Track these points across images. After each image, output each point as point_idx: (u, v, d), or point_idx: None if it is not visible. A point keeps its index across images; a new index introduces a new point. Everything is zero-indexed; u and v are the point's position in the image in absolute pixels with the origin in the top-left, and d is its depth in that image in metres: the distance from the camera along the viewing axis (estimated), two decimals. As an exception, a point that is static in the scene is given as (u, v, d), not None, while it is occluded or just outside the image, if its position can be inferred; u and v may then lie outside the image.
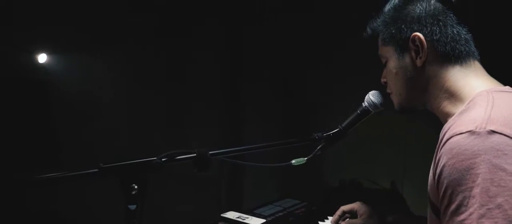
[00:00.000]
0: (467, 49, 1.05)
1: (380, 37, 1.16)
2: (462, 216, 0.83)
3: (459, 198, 0.84)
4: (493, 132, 0.84)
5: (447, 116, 1.05)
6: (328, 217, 1.59)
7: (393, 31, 1.10)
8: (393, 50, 1.11)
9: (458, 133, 0.88)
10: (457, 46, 1.04)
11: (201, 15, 2.75)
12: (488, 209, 0.80)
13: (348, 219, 1.51)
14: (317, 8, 3.04)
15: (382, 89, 1.28)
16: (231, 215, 1.50)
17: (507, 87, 1.02)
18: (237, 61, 3.09)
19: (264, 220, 1.45)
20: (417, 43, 1.06)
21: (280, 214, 1.57)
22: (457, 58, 1.05)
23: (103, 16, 2.38)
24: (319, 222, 1.55)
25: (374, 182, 3.07)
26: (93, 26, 2.33)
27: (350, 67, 3.10)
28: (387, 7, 1.16)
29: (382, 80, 1.22)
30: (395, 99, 1.17)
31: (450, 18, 1.06)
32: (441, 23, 1.05)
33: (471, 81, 1.03)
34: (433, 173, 0.96)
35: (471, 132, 0.86)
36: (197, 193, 2.86)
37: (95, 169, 0.92)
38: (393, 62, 1.12)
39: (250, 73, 3.14)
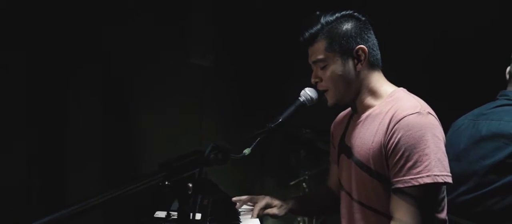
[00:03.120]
0: (380, 59, 1.44)
1: (323, 44, 1.38)
2: (418, 168, 1.22)
3: (415, 157, 1.22)
4: (429, 113, 1.28)
5: (367, 107, 1.41)
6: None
7: (342, 42, 1.36)
8: (338, 56, 1.37)
9: (409, 114, 1.26)
10: (378, 57, 1.42)
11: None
12: (435, 162, 1.22)
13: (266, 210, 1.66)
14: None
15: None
16: (163, 214, 1.42)
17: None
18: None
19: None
20: (361, 53, 1.37)
21: (197, 207, 1.58)
22: (377, 65, 1.42)
23: None
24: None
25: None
26: None
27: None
28: (326, 20, 1.40)
29: (314, 80, 1.45)
30: (333, 96, 1.42)
31: (373, 34, 1.43)
32: (371, 38, 1.40)
33: (384, 83, 1.43)
34: (382, 144, 1.29)
35: (418, 113, 1.26)
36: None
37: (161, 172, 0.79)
38: (338, 66, 1.37)
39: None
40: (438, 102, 1.40)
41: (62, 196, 2.61)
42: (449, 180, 1.23)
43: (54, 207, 0.68)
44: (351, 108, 1.51)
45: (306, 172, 3.30)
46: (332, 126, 1.69)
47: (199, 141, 3.75)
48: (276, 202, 1.66)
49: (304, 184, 3.34)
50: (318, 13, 1.44)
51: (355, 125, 1.45)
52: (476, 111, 1.58)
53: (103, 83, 2.96)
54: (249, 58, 4.03)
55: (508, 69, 1.55)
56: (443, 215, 1.30)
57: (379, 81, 1.42)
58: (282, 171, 4.08)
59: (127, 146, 3.17)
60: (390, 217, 1.30)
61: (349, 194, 1.47)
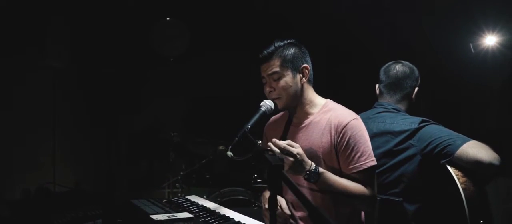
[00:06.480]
0: (313, 77, 1.91)
1: (278, 61, 1.79)
2: (364, 157, 1.73)
3: (361, 149, 1.73)
4: (359, 118, 1.81)
5: (307, 114, 1.87)
6: None
7: (293, 60, 1.80)
8: (290, 71, 1.80)
9: (351, 120, 1.76)
10: (313, 75, 1.89)
11: None
12: (372, 151, 1.76)
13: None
14: None
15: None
16: (160, 217, 1.50)
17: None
18: None
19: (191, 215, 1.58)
20: (305, 70, 1.82)
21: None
22: (312, 81, 1.90)
23: None
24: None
25: (62, 185, 3.03)
26: None
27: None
28: (278, 44, 1.82)
29: (269, 89, 1.82)
30: (283, 102, 1.82)
31: (310, 59, 1.89)
32: (309, 61, 1.87)
33: (317, 96, 1.91)
34: (332, 143, 1.75)
35: (355, 118, 1.78)
36: None
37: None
38: (289, 79, 1.80)
39: None
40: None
41: None
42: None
43: None
44: (291, 113, 1.92)
45: (181, 173, 3.50)
46: (265, 128, 2.05)
47: (52, 143, 3.55)
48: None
49: (177, 184, 3.54)
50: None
51: (298, 129, 1.88)
52: (363, 115, 2.20)
53: None
54: (102, 61, 4.00)
55: (377, 86, 2.25)
56: None
57: (313, 94, 1.90)
58: (145, 174, 4.16)
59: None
60: (331, 196, 1.77)
61: (297, 183, 1.87)
